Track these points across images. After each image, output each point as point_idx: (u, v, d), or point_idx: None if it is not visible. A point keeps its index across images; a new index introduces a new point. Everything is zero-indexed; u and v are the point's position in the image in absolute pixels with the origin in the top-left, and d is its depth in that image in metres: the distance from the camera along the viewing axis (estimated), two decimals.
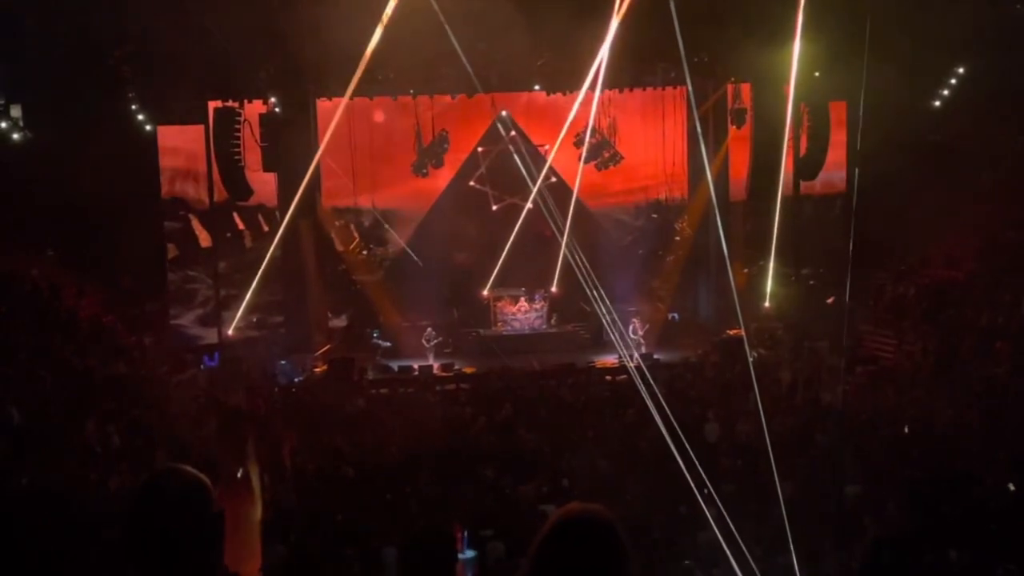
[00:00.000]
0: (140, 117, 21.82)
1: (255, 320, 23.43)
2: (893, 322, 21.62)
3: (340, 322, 26.11)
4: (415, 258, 25.39)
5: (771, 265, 21.28)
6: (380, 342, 24.92)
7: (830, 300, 22.94)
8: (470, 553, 10.43)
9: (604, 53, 14.53)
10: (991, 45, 20.06)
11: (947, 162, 21.29)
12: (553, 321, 25.85)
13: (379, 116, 24.66)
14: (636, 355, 21.78)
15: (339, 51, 17.14)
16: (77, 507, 11.11)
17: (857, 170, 21.94)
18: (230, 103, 20.57)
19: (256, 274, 20.57)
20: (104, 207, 19.52)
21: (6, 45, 19.30)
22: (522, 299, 25.74)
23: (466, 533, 10.63)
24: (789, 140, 21.37)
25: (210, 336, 23.28)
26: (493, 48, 19.11)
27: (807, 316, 22.75)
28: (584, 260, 14.19)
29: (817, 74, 21.31)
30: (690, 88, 21.57)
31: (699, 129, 21.38)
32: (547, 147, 25.64)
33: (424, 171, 24.07)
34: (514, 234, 21.77)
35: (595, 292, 14.49)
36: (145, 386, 18.89)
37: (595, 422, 15.94)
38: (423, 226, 25.99)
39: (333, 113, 24.29)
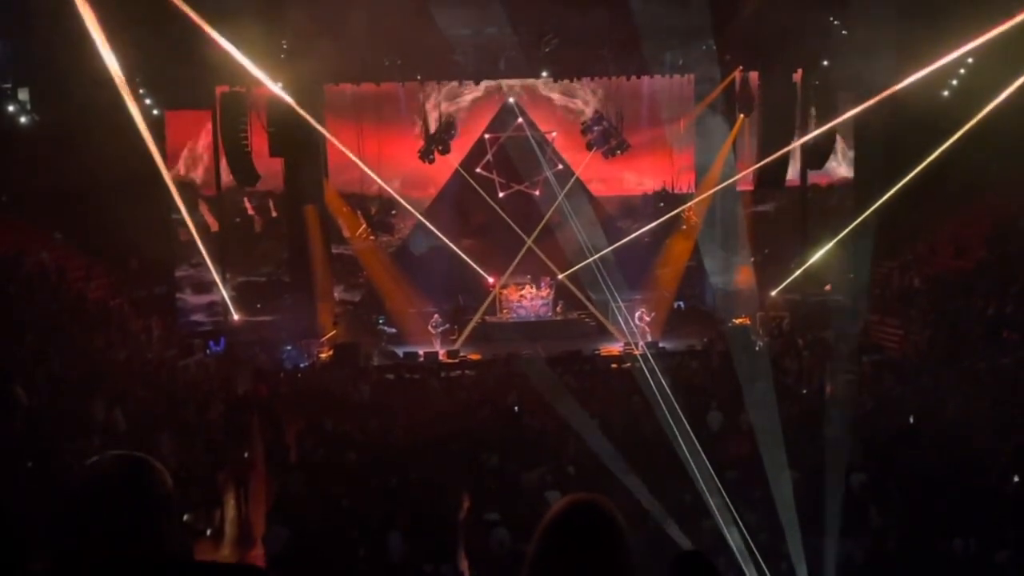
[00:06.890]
0: (148, 101, 21.76)
1: (259, 306, 23.46)
2: (900, 311, 21.54)
3: (346, 308, 26.10)
4: (419, 247, 25.33)
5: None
6: (385, 328, 24.93)
7: (827, 287, 22.91)
8: None
9: None
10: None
11: (956, 151, 21.14)
12: (559, 308, 25.80)
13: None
14: (641, 343, 21.78)
15: (347, 36, 17.08)
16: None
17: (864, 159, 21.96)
18: (237, 88, 20.52)
19: (264, 259, 20.52)
20: (111, 191, 19.49)
21: (13, 28, 19.27)
22: (527, 286, 25.68)
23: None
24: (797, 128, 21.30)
25: (216, 320, 23.31)
26: (501, 34, 19.01)
27: (814, 305, 22.70)
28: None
29: (826, 63, 21.21)
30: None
31: (707, 117, 21.29)
32: (554, 134, 25.59)
33: (431, 157, 23.98)
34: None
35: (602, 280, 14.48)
36: (151, 370, 18.93)
37: (600, 409, 15.92)
38: (429, 212, 25.97)
39: (341, 98, 24.29)
